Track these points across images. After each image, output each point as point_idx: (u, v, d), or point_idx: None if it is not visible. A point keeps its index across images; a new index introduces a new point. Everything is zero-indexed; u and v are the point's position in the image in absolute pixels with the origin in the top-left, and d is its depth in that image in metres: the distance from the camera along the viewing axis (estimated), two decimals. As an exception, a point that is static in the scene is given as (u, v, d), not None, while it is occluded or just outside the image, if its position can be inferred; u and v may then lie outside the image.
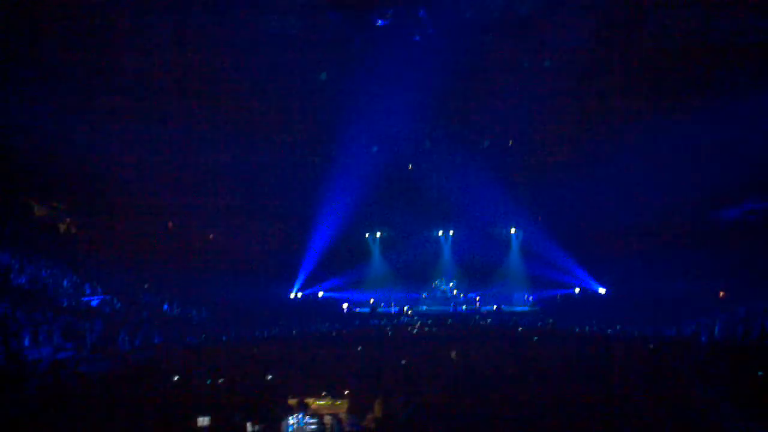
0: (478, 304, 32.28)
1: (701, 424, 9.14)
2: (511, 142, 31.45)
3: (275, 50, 26.74)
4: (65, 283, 22.79)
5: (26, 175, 26.25)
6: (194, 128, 27.98)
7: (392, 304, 32.50)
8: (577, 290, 31.68)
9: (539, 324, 25.26)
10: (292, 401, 9.77)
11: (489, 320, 27.61)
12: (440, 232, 35.18)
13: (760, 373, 10.91)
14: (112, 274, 25.57)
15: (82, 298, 22.23)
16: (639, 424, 8.80)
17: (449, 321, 26.93)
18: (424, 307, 32.53)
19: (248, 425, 8.72)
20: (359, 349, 16.44)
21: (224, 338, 21.29)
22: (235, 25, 26.35)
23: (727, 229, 28.07)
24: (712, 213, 29.17)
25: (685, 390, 10.59)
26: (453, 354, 12.40)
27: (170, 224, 32.15)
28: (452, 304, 32.28)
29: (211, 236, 32.58)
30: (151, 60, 26.76)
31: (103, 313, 21.33)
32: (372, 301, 32.54)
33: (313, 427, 9.31)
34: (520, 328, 22.73)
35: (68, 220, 29.12)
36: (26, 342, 15.87)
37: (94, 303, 22.31)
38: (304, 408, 9.61)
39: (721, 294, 25.01)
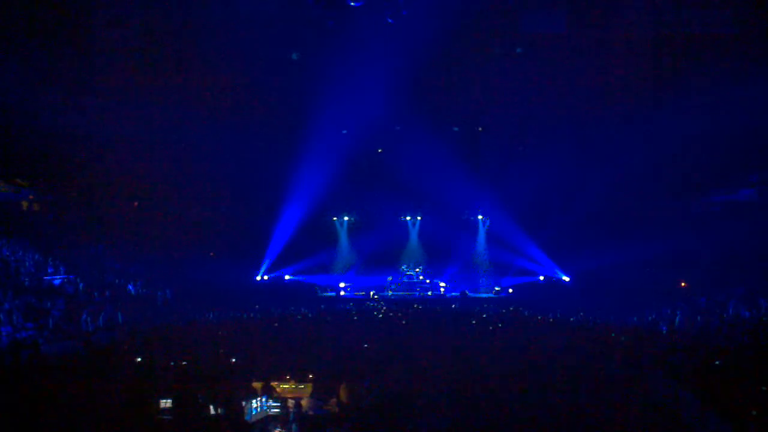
0: (443, 290, 32.46)
1: (659, 412, 9.29)
2: (480, 129, 31.58)
3: (245, 30, 26.47)
4: (27, 261, 22.45)
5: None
6: (162, 108, 27.59)
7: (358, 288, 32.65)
8: (541, 278, 31.98)
9: (504, 311, 25.46)
10: (255, 384, 9.74)
11: (454, 306, 27.80)
12: (408, 218, 35.24)
13: (717, 363, 11.11)
14: (75, 252, 25.24)
15: (45, 277, 21.92)
16: (599, 411, 8.91)
17: (417, 306, 27.03)
18: (391, 293, 32.62)
19: (211, 408, 8.68)
20: (324, 333, 16.45)
21: (188, 320, 21.13)
22: (206, 3, 26.04)
23: (691, 221, 28.49)
24: (676, 204, 29.60)
25: (645, 378, 10.75)
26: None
27: (136, 203, 31.81)
28: (418, 289, 32.40)
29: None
30: (119, 36, 26.34)
31: (66, 293, 21.06)
32: (343, 285, 32.68)
33: (276, 410, 9.30)
34: (484, 315, 22.89)
35: (31, 197, 28.65)
36: (-14, 321, 15.66)
37: (57, 282, 22.02)
38: (267, 391, 9.60)
39: (683, 284, 25.42)
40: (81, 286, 22.42)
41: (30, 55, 24.73)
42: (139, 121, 27.64)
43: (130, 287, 24.69)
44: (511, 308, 25.99)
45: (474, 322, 20.21)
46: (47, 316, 17.72)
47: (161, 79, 26.91)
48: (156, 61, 26.77)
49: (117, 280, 24.86)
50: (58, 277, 22.53)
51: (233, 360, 11.74)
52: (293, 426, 8.62)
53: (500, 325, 19.06)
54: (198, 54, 26.65)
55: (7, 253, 22.12)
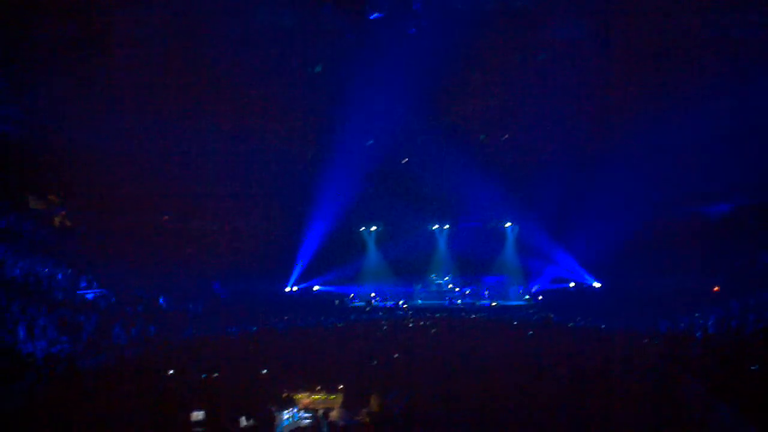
0: (466, 297, 32.35)
1: (694, 419, 9.17)
2: (506, 137, 31.42)
3: (270, 43, 26.67)
4: (60, 276, 22.73)
5: (22, 168, 26.20)
6: (190, 123, 27.87)
7: (387, 298, 32.54)
8: (572, 285, 31.69)
9: (534, 318, 25.27)
10: (286, 395, 9.78)
11: (482, 314, 27.63)
12: (435, 226, 35.19)
13: (753, 368, 10.93)
14: (107, 267, 25.51)
15: (78, 292, 22.18)
16: (633, 418, 8.82)
17: (444, 315, 26.93)
18: (420, 301, 32.54)
19: (242, 420, 8.73)
20: (354, 343, 16.44)
21: (219, 332, 21.26)
22: (230, 17, 26.26)
23: (721, 225, 28.12)
24: (706, 208, 29.24)
25: (679, 384, 10.62)
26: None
27: (166, 218, 32.11)
28: (447, 298, 32.29)
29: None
30: (146, 53, 26.65)
31: (99, 307, 21.29)
32: (373, 295, 32.64)
33: (307, 421, 9.32)
34: (515, 322, 22.74)
35: (63, 213, 29.02)
36: (21, 336, 15.86)
37: (90, 297, 22.28)
38: (298, 402, 9.63)
39: (715, 289, 25.07)
40: (113, 300, 22.68)
41: (60, 72, 25.13)
42: (168, 137, 27.95)
43: (162, 301, 24.90)
44: (543, 315, 25.77)
45: (503, 330, 20.11)
46: (80, 331, 17.91)
47: (190, 95, 27.14)
48: (184, 77, 26.99)
49: (148, 294, 25.08)
50: (91, 291, 22.78)
51: (264, 372, 11.79)
52: (324, 437, 8.64)
53: (531, 333, 18.92)
54: (225, 70, 26.84)
55: (41, 269, 22.41)
